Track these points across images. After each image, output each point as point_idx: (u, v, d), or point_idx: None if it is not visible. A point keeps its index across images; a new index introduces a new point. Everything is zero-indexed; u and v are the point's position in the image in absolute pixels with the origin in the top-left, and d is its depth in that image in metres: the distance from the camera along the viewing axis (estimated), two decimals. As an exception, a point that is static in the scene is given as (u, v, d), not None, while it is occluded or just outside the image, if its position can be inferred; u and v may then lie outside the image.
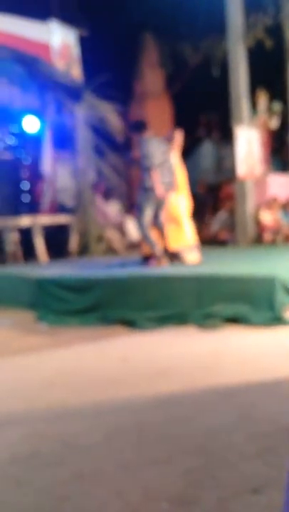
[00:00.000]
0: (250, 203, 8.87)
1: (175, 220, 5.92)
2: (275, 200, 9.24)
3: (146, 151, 5.56)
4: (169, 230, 5.76)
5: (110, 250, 8.70)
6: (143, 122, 6.04)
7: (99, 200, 9.47)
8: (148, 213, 5.58)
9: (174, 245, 5.82)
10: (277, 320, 4.09)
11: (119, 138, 8.59)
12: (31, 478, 1.86)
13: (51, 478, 1.85)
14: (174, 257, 5.71)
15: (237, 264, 5.48)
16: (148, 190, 5.55)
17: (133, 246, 9.39)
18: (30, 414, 2.55)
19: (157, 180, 5.53)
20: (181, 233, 5.92)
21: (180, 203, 5.99)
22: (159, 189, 5.53)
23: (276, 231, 9.02)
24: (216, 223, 9.77)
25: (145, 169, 5.56)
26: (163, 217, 5.65)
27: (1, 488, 1.81)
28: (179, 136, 6.06)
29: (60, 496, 1.72)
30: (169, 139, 5.94)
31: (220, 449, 2.00)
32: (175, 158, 5.92)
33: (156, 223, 5.66)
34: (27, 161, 9.37)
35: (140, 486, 1.75)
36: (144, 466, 1.91)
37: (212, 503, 1.61)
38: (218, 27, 9.20)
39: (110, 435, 2.22)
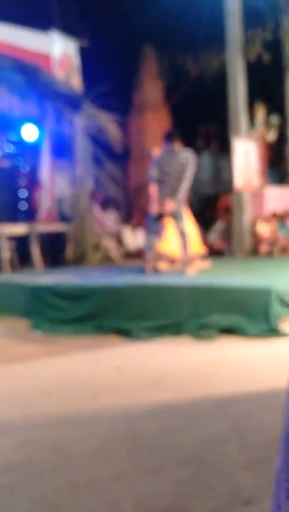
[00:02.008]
0: (247, 215, 8.91)
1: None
2: (274, 214, 9.31)
3: (150, 167, 5.83)
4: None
5: (107, 259, 8.70)
6: (171, 133, 6.04)
7: (96, 209, 9.49)
8: (152, 223, 5.81)
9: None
10: (272, 331, 4.10)
11: (118, 148, 8.64)
12: (24, 487, 1.84)
13: (44, 486, 1.84)
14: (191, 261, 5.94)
15: (233, 275, 5.49)
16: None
17: (129, 255, 9.41)
18: (25, 422, 2.53)
19: (152, 196, 5.74)
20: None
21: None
22: (152, 205, 5.76)
23: (272, 243, 9.05)
24: (213, 234, 9.80)
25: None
26: (182, 226, 5.74)
27: (-6, 495, 1.80)
28: None
29: (52, 505, 1.71)
30: None
31: (213, 459, 1.99)
32: None
33: (178, 232, 5.79)
34: (25, 169, 9.40)
35: (133, 496, 1.74)
36: (137, 475, 1.90)
37: (205, 514, 1.61)
38: (218, 40, 9.30)
39: (104, 444, 2.21)
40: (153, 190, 5.76)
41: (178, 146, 5.85)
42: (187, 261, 5.79)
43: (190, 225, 6.30)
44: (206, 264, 6.44)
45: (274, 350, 3.72)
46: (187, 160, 5.74)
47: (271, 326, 4.13)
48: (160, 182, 5.71)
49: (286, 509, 0.74)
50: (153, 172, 5.74)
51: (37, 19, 7.96)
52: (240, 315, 4.28)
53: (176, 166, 5.69)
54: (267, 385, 2.88)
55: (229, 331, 4.20)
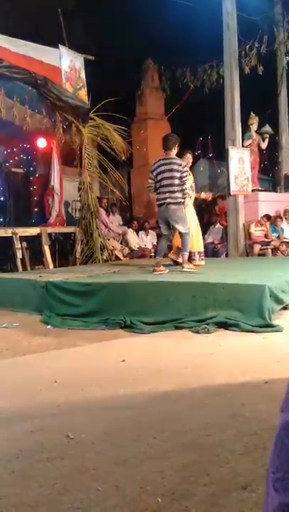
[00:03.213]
0: (242, 218, 8.88)
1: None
2: (267, 217, 9.27)
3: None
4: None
5: (112, 258, 8.70)
6: (165, 139, 5.94)
7: (102, 212, 9.48)
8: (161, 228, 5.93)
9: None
10: (265, 325, 4.07)
11: (122, 156, 8.62)
12: (35, 472, 1.81)
13: (53, 472, 1.81)
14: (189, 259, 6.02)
15: (229, 273, 5.46)
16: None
17: (133, 255, 9.39)
18: (35, 410, 2.51)
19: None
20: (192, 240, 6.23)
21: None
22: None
23: (265, 243, 9.03)
24: (212, 235, 9.77)
25: None
26: (181, 228, 5.80)
27: (7, 481, 1.77)
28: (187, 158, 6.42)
29: (61, 490, 1.68)
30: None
31: (211, 446, 1.96)
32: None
33: (178, 233, 5.92)
34: (37, 175, 9.39)
35: (137, 481, 1.71)
36: (141, 461, 1.87)
37: (204, 499, 1.57)
38: (216, 53, 9.27)
39: (110, 430, 2.19)
40: (153, 197, 5.86)
41: (172, 154, 5.80)
42: (186, 259, 5.79)
43: (194, 226, 6.30)
44: (202, 262, 6.43)
45: (267, 343, 3.69)
46: (180, 167, 5.73)
47: (265, 320, 4.10)
48: (159, 189, 5.74)
49: (272, 495, 0.76)
50: (149, 182, 5.84)
51: (47, 35, 7.96)
52: (235, 310, 4.26)
53: (170, 173, 5.68)
54: (260, 376, 2.85)
55: (225, 325, 4.18)
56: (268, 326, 4.05)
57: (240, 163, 8.80)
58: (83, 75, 8.39)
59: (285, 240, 9.26)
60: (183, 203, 5.80)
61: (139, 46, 10.08)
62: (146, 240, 9.87)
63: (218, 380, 2.85)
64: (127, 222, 10.61)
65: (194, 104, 10.73)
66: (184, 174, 5.73)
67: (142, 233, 9.94)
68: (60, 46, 8.06)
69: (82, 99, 8.30)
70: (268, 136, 10.00)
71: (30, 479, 1.76)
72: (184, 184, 5.74)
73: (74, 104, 7.98)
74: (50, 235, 8.24)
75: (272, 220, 9.38)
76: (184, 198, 5.81)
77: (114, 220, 10.30)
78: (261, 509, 0.83)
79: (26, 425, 2.28)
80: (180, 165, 5.74)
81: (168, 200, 5.69)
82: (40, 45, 7.67)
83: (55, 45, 8.01)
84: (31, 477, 1.78)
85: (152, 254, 9.70)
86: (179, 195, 5.73)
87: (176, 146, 5.87)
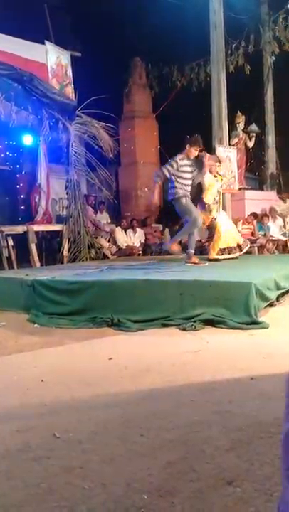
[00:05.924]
0: (229, 216, 8.91)
1: None
2: (254, 215, 9.33)
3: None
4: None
5: (100, 256, 8.68)
6: (187, 140, 6.52)
7: (90, 210, 9.45)
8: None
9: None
10: (251, 322, 4.10)
11: (110, 154, 8.59)
12: (21, 472, 1.81)
13: (40, 471, 1.81)
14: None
15: (216, 271, 5.48)
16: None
17: (121, 253, 9.38)
18: (22, 409, 2.50)
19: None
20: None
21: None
22: None
23: (252, 241, 9.08)
24: (198, 233, 9.78)
25: None
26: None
27: (-8, 481, 1.76)
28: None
29: (47, 489, 1.68)
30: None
31: (198, 442, 1.98)
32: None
33: None
34: (23, 172, 9.32)
35: (124, 479, 1.72)
36: (128, 458, 1.88)
37: (190, 495, 1.58)
38: (203, 52, 9.28)
39: (97, 429, 2.19)
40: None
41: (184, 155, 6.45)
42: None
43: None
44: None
45: (253, 340, 3.72)
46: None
47: (251, 317, 4.13)
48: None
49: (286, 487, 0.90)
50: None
51: (32, 32, 7.90)
52: (222, 307, 4.28)
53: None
54: (246, 373, 2.87)
55: (212, 322, 4.20)
56: (254, 323, 4.08)
57: (227, 161, 8.84)
58: (70, 71, 8.35)
59: (271, 238, 9.34)
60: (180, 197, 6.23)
61: (126, 44, 10.06)
62: (134, 238, 9.86)
63: (205, 376, 2.87)
64: (115, 220, 10.59)
65: (182, 103, 10.74)
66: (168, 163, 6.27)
67: (129, 231, 9.92)
68: (47, 42, 8.00)
69: (69, 96, 8.25)
70: (254, 135, 10.06)
71: (16, 479, 1.76)
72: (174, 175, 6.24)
73: (61, 101, 7.92)
74: (37, 233, 8.19)
75: (258, 218, 9.45)
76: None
77: (102, 218, 10.26)
78: (277, 501, 0.96)
79: (13, 424, 2.27)
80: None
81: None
82: (25, 41, 7.61)
83: (41, 41, 7.95)
84: (17, 477, 1.77)
85: (140, 252, 9.70)
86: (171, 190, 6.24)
87: (188, 145, 6.50)
